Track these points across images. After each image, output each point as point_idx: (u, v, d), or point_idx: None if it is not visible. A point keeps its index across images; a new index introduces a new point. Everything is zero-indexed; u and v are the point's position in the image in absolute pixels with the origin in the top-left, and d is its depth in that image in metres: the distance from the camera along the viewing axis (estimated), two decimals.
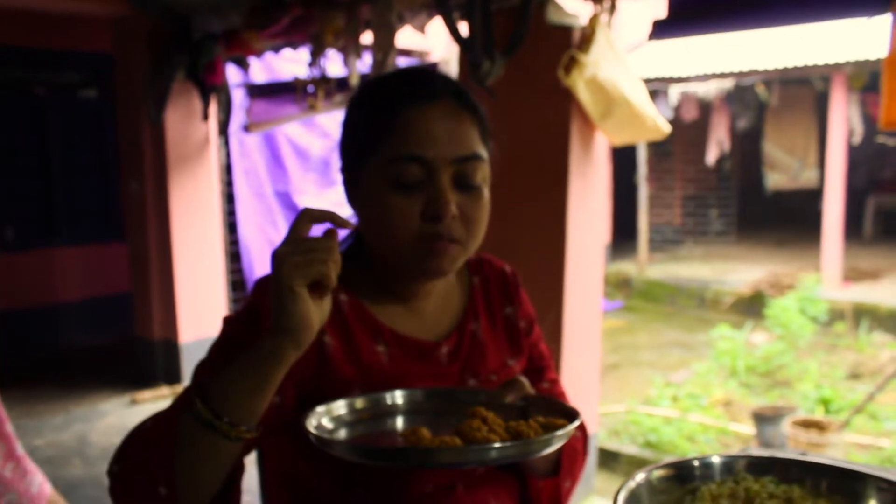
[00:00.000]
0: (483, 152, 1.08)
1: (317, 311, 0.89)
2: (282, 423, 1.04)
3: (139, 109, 5.08)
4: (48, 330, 6.65)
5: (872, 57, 6.20)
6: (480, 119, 1.10)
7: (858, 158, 9.87)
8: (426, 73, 1.11)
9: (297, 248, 0.88)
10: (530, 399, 1.05)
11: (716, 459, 0.95)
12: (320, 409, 1.00)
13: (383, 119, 1.06)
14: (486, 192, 1.09)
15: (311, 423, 0.95)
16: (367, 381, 1.07)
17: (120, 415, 4.87)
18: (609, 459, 4.26)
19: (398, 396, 1.06)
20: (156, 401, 5.07)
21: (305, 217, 0.91)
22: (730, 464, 0.95)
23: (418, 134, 1.04)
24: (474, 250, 1.11)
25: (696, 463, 0.94)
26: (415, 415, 1.06)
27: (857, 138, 7.68)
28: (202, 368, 1.04)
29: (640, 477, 0.89)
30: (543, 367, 1.25)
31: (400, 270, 1.10)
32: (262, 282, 1.09)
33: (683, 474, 0.93)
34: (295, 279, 0.87)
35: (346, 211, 1.11)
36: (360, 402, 1.04)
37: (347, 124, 1.12)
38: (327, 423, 1.00)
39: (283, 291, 0.87)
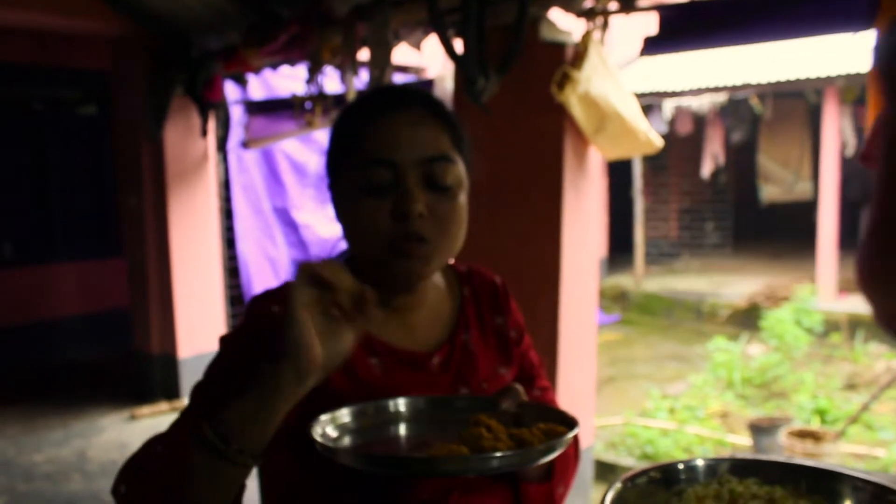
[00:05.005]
0: (454, 156, 1.10)
1: (317, 342, 0.88)
2: (281, 437, 1.07)
3: (138, 126, 5.12)
4: (46, 345, 6.67)
5: (864, 70, 6.27)
6: (452, 126, 1.12)
7: (852, 170, 9.91)
8: (398, 87, 1.16)
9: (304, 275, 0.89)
10: (525, 406, 1.07)
11: (700, 462, 0.98)
12: (324, 417, 1.01)
13: (355, 129, 1.10)
14: (462, 196, 1.10)
15: (317, 432, 0.96)
16: (361, 392, 1.09)
17: (119, 430, 4.88)
18: (606, 471, 4.28)
19: (401, 404, 1.08)
20: (155, 416, 5.08)
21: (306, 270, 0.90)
22: (714, 466, 0.97)
23: (386, 138, 1.07)
24: (451, 253, 1.11)
25: (680, 466, 0.97)
26: (416, 422, 1.07)
27: (851, 150, 7.74)
28: (199, 390, 1.06)
29: (626, 480, 0.92)
30: (534, 375, 1.27)
31: (380, 277, 1.10)
32: (256, 301, 1.10)
33: (669, 477, 0.96)
34: (296, 305, 0.88)
35: (337, 226, 1.14)
36: (363, 410, 1.06)
37: (329, 141, 1.17)
38: (332, 432, 1.01)
39: (286, 317, 0.88)
